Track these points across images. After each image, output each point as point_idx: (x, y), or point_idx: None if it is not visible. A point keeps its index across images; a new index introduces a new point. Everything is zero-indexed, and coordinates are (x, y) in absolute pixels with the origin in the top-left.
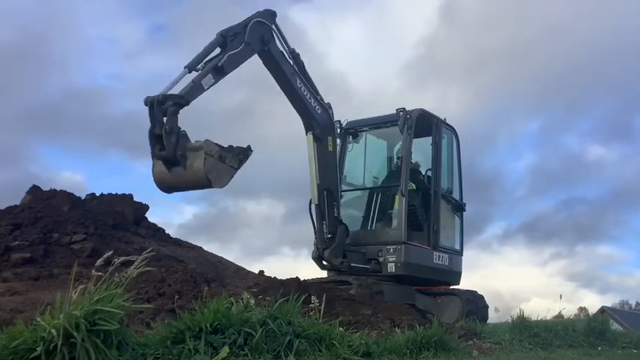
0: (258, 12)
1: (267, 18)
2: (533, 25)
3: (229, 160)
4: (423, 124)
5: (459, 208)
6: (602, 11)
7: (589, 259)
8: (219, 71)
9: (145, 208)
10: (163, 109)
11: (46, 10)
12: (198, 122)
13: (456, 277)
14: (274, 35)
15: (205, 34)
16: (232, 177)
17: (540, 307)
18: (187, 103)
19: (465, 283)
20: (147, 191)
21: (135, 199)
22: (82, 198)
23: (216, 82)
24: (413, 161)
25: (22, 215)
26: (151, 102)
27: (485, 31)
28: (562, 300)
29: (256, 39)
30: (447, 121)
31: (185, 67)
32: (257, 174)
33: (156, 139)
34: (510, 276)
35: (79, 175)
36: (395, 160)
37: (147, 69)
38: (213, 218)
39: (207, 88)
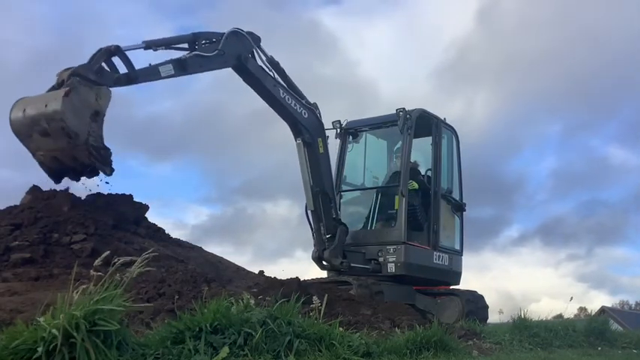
0: (240, 30)
1: (250, 37)
2: (569, 28)
3: (95, 130)
4: (423, 124)
5: (459, 208)
6: (635, 14)
7: (602, 260)
8: (182, 66)
9: (145, 208)
10: (108, 61)
11: (81, 13)
12: (222, 123)
13: (456, 277)
14: (255, 53)
15: None
16: (77, 132)
17: (549, 308)
18: (135, 80)
19: (476, 284)
20: (164, 193)
21: (135, 199)
22: (82, 198)
23: (175, 75)
24: (412, 161)
25: (22, 215)
26: (100, 48)
27: (521, 35)
28: (573, 301)
29: (232, 54)
30: (447, 121)
31: (143, 42)
32: (275, 175)
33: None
34: (523, 277)
35: (95, 177)
36: (394, 159)
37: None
38: (229, 220)
39: (164, 77)
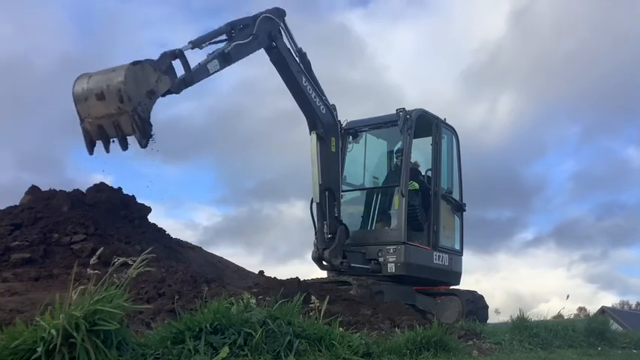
0: (267, 9)
1: (275, 15)
2: (602, 32)
3: (146, 104)
4: (423, 124)
5: (459, 208)
6: None
7: (613, 262)
8: (226, 58)
9: (147, 209)
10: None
11: (105, 16)
12: (240, 126)
13: (456, 277)
14: (282, 32)
15: None
16: (130, 97)
17: (558, 308)
18: (191, 82)
19: (487, 285)
20: (177, 195)
21: (137, 200)
22: (84, 196)
23: (221, 68)
24: (412, 161)
25: (22, 215)
26: (165, 52)
27: (551, 38)
28: (578, 302)
29: (264, 34)
30: (448, 121)
31: (189, 42)
32: (290, 178)
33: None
34: (534, 278)
35: (110, 178)
36: (394, 160)
37: None
38: (241, 221)
39: (212, 73)
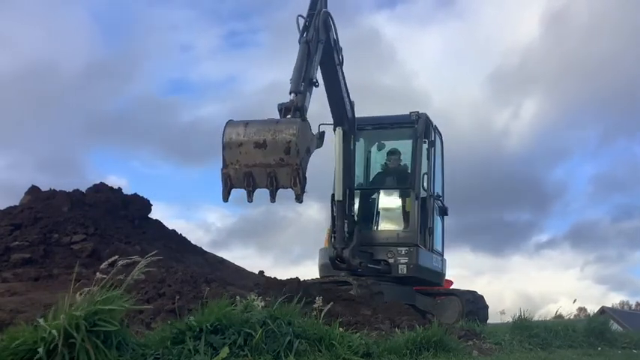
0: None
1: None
2: (629, 35)
3: (305, 160)
4: (425, 128)
5: (442, 211)
6: None
7: (624, 263)
8: (314, 84)
9: (147, 208)
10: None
11: (130, 21)
12: None
13: (443, 279)
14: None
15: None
16: (299, 151)
17: (564, 309)
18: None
19: (497, 286)
20: (191, 196)
21: (139, 195)
22: (83, 196)
23: (311, 94)
24: (402, 164)
25: (22, 215)
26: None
27: (585, 43)
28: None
29: (323, 29)
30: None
31: (290, 94)
32: (308, 178)
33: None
34: (545, 279)
35: (124, 181)
36: (385, 161)
37: (212, 76)
38: (254, 223)
39: (309, 104)
